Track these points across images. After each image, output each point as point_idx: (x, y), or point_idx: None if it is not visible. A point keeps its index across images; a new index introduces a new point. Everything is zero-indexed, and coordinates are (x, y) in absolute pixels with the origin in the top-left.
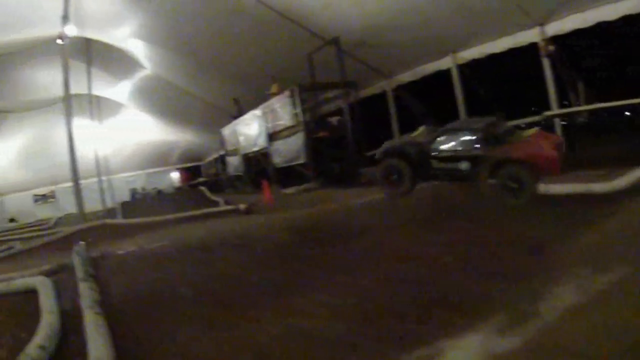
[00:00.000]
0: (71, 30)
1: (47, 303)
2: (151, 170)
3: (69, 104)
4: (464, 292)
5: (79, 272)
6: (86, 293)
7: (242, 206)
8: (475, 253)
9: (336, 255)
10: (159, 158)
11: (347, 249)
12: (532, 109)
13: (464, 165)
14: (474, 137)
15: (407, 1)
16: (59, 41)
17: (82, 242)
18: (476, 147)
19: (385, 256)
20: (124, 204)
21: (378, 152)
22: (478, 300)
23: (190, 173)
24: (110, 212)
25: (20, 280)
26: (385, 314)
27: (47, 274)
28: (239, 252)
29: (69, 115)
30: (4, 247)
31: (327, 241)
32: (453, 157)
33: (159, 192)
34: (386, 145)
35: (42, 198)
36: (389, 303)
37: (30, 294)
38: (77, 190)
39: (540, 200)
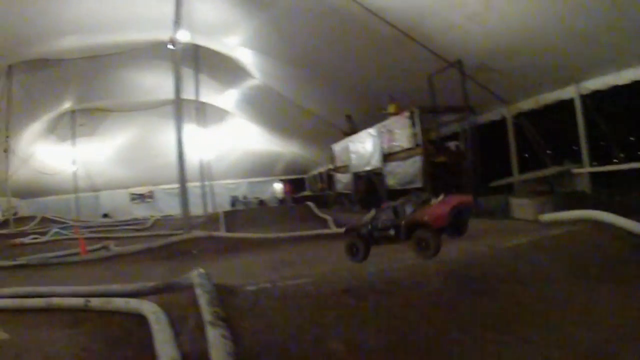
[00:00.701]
0: (184, 36)
1: (167, 349)
2: (253, 179)
3: (179, 108)
4: None
5: (206, 314)
6: (218, 343)
7: None
8: None
9: (505, 310)
10: (262, 168)
11: (514, 303)
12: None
13: (391, 232)
14: (395, 210)
15: (532, 24)
16: (170, 46)
17: (203, 271)
18: (396, 218)
19: (562, 315)
20: (227, 213)
21: (344, 231)
22: None
23: (294, 185)
24: (211, 219)
25: (123, 301)
26: None
27: (151, 291)
28: (390, 299)
29: (179, 120)
30: (97, 245)
31: (488, 291)
32: (385, 226)
33: (261, 202)
34: (346, 227)
35: (140, 197)
36: None
37: (127, 316)
38: (184, 194)
39: None
